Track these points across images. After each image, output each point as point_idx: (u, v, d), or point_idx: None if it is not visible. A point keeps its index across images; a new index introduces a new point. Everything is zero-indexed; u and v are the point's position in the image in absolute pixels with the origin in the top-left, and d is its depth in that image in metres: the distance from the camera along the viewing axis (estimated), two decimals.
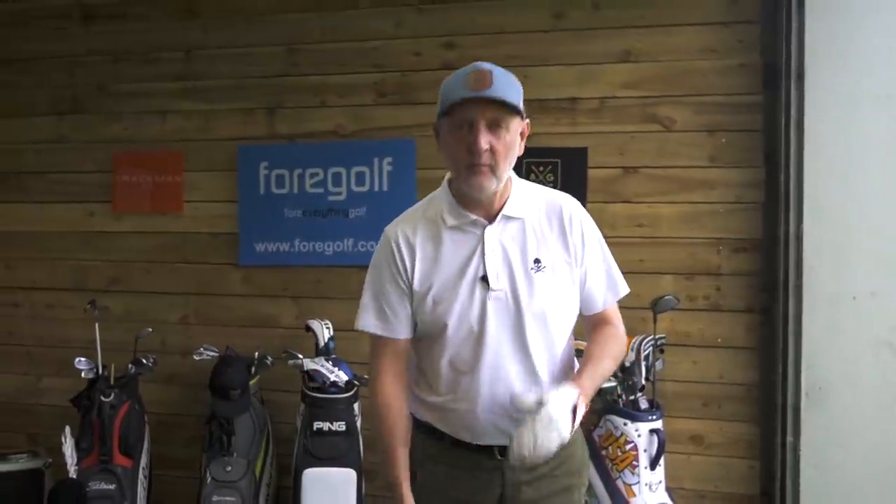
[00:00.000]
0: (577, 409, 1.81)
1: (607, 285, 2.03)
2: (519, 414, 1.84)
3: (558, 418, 1.76)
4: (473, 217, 1.94)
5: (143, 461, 3.67)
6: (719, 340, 3.53)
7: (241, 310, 4.02)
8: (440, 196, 2.01)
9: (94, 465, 3.49)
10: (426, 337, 2.00)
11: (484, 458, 1.98)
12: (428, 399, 2.03)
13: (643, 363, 3.28)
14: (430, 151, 3.74)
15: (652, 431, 3.17)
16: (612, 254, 2.07)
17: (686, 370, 3.54)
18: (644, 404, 3.24)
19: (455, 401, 1.97)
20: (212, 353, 3.67)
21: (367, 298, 2.04)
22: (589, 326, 2.07)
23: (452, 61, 3.74)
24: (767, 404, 3.42)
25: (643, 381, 3.27)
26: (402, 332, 2.00)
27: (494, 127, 1.84)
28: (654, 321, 3.29)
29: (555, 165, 3.67)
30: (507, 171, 1.91)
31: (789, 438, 3.31)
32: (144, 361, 3.68)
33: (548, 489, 2.00)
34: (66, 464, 3.41)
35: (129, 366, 3.67)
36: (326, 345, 3.59)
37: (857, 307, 3.24)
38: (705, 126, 3.52)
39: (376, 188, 3.87)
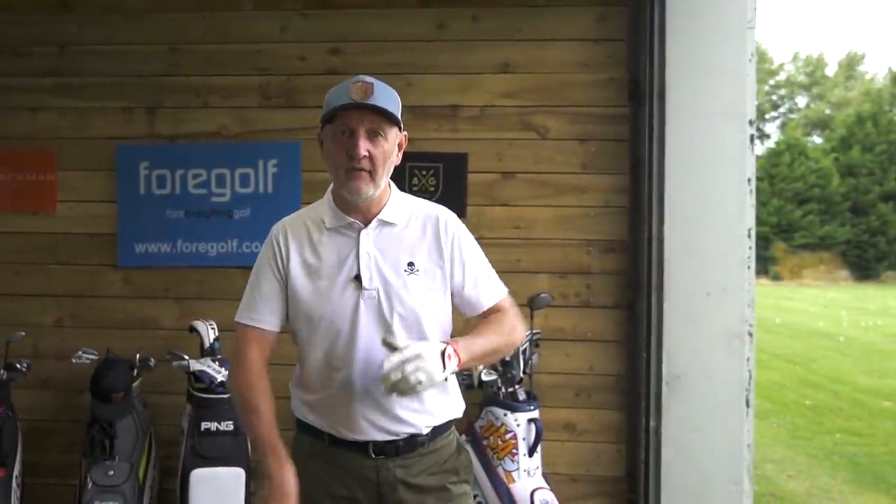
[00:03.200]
0: (449, 357, 1.90)
1: (488, 287, 2.12)
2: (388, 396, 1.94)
3: (426, 356, 1.86)
4: (350, 220, 2.03)
5: (17, 469, 3.54)
6: (589, 335, 3.78)
7: (120, 312, 3.93)
8: (324, 201, 2.10)
9: None
10: (303, 333, 2.06)
11: (361, 455, 2.03)
12: (307, 397, 2.10)
13: (521, 357, 3.47)
14: (316, 154, 3.74)
15: (530, 421, 3.37)
16: (492, 254, 2.21)
17: (559, 363, 3.76)
18: (522, 395, 3.43)
19: (331, 396, 2.04)
20: (91, 357, 3.58)
21: (245, 292, 2.11)
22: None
23: (337, 67, 3.84)
24: (632, 393, 3.68)
25: (521, 374, 3.46)
26: (269, 322, 2.05)
27: (373, 135, 1.95)
28: (531, 318, 3.48)
29: (437, 170, 3.82)
30: (385, 178, 2.02)
31: (652, 424, 3.57)
32: (17, 366, 3.55)
33: (423, 486, 2.06)
34: None
35: (1, 371, 3.52)
36: (212, 345, 3.58)
37: (711, 302, 3.53)
38: (577, 135, 3.76)
39: (261, 190, 3.89)
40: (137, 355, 3.64)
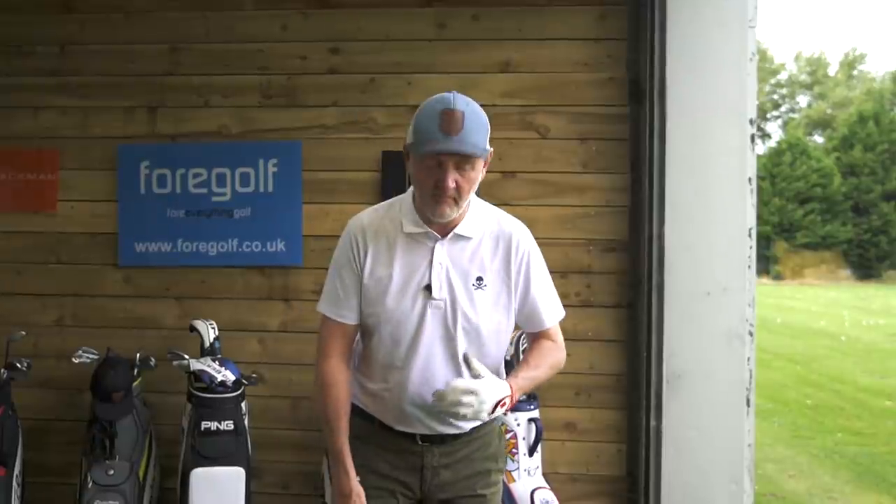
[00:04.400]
0: (502, 405, 2.03)
1: (550, 307, 2.23)
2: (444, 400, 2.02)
3: (485, 398, 1.98)
4: (428, 230, 2.09)
5: (17, 469, 3.54)
6: (590, 334, 3.77)
7: (120, 311, 3.93)
8: (404, 203, 2.15)
9: None
10: (369, 330, 2.16)
11: (408, 442, 2.17)
12: (365, 384, 2.21)
13: (521, 356, 3.48)
14: (316, 154, 3.84)
15: (530, 420, 3.38)
16: None
17: None
18: (522, 395, 3.44)
19: (385, 390, 2.15)
20: (91, 356, 3.58)
21: (327, 283, 2.19)
22: (531, 342, 2.28)
23: (338, 66, 3.85)
24: (633, 392, 3.68)
25: None
26: (351, 317, 2.15)
27: (462, 167, 1.99)
28: None
29: None
30: (468, 200, 2.07)
31: (652, 422, 3.57)
32: (18, 365, 3.54)
33: (465, 472, 2.20)
34: None
35: (2, 370, 3.52)
36: (212, 345, 3.59)
37: (711, 302, 3.53)
38: (578, 134, 3.76)
39: (262, 189, 3.89)
40: (138, 355, 3.64)
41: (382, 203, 2.24)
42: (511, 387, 2.07)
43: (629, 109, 3.70)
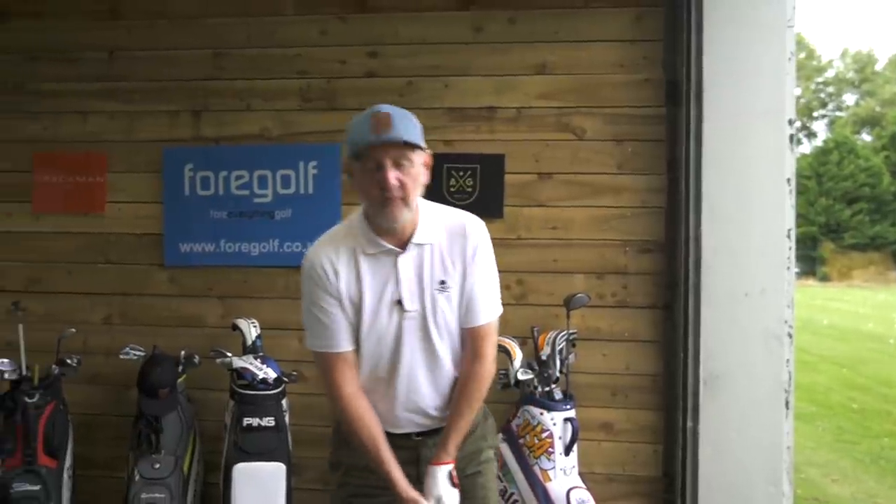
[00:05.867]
0: (455, 480, 2.20)
1: (487, 303, 2.24)
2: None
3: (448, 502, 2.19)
4: (388, 246, 2.14)
5: (68, 462, 3.67)
6: (626, 334, 3.78)
7: (166, 310, 4.04)
8: (357, 225, 2.18)
9: (18, 467, 3.47)
10: None
11: (403, 439, 2.26)
12: None
13: (557, 356, 3.50)
14: None
15: (566, 420, 3.39)
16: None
17: (596, 362, 3.77)
18: (558, 395, 3.46)
19: (377, 401, 2.23)
20: (138, 353, 3.69)
21: (307, 321, 2.22)
22: (465, 340, 2.25)
23: (376, 70, 3.90)
24: (669, 393, 3.69)
25: (557, 374, 3.49)
26: (345, 343, 2.19)
27: (400, 164, 2.05)
28: (567, 317, 3.52)
29: (474, 171, 3.86)
30: (416, 200, 2.13)
31: (689, 423, 3.56)
32: (68, 362, 3.67)
33: (457, 456, 2.26)
34: None
35: (53, 366, 3.65)
36: (254, 343, 3.67)
37: (749, 303, 3.51)
38: (614, 136, 3.77)
39: (301, 191, 3.97)
40: (182, 352, 3.74)
41: (333, 230, 2.25)
42: (453, 467, 2.21)
43: (666, 110, 3.70)
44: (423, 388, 2.22)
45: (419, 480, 2.25)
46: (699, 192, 3.54)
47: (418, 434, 2.27)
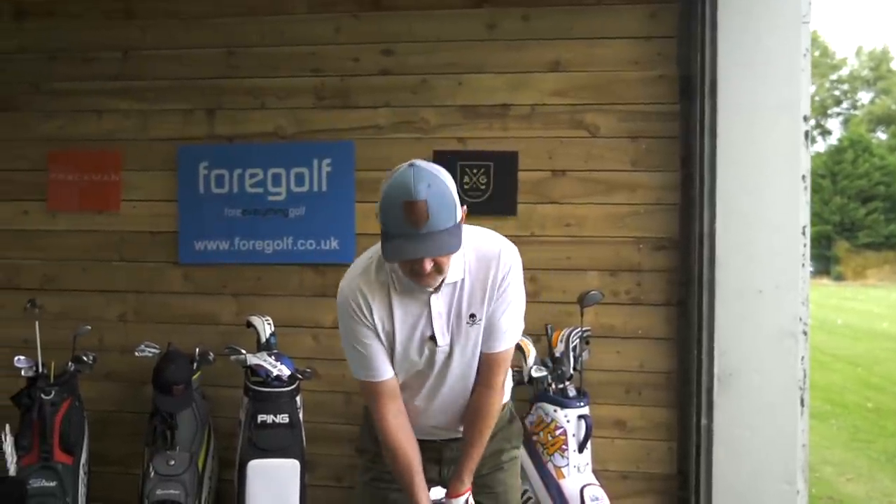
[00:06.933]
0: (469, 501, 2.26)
1: (509, 331, 2.23)
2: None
3: None
4: (420, 286, 2.10)
5: (84, 458, 3.70)
6: (640, 332, 3.77)
7: (180, 307, 4.06)
8: (386, 262, 2.10)
9: (35, 463, 3.50)
10: None
11: (427, 444, 2.30)
12: None
13: (571, 354, 3.49)
14: (369, 154, 3.91)
15: (580, 417, 3.39)
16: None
17: (610, 360, 3.77)
18: (572, 392, 3.45)
19: (409, 417, 2.27)
20: (153, 350, 3.71)
21: (347, 353, 2.24)
22: (481, 365, 2.25)
23: (390, 67, 3.91)
24: (683, 390, 3.68)
25: (571, 371, 3.48)
26: (386, 371, 2.20)
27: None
28: (581, 314, 3.51)
29: (487, 168, 3.86)
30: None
31: (703, 421, 3.54)
32: (84, 359, 3.70)
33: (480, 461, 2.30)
34: (5, 462, 3.41)
35: (69, 363, 3.68)
36: (268, 340, 3.69)
37: (763, 300, 3.49)
38: (628, 133, 3.76)
39: (315, 189, 3.98)
40: (197, 349, 3.76)
41: (365, 259, 2.20)
42: (469, 494, 2.26)
43: (680, 107, 3.69)
44: (451, 411, 2.28)
45: (442, 481, 2.30)
46: (713, 189, 3.53)
47: (443, 439, 2.34)
